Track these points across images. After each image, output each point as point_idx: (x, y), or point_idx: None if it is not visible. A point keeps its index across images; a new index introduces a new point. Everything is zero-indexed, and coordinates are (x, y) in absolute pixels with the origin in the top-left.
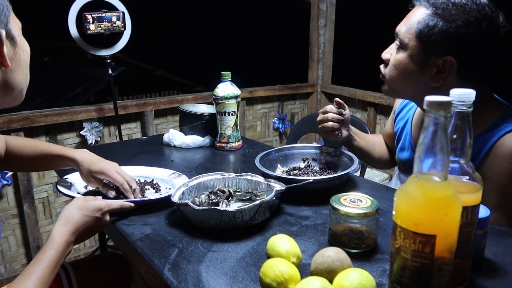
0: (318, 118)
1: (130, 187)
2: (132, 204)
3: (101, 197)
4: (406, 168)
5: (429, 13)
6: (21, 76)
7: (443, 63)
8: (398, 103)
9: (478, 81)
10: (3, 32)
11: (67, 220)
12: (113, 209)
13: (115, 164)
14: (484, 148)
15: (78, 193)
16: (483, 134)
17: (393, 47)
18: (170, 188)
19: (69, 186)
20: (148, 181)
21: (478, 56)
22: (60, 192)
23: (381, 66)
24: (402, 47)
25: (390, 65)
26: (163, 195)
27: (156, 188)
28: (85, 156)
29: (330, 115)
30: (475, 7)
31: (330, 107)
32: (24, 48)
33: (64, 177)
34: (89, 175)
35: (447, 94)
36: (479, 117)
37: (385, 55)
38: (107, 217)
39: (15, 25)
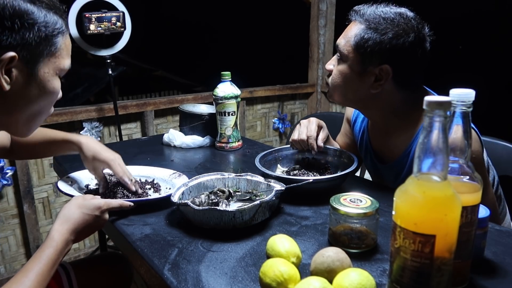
0: (295, 143)
1: (131, 180)
2: (132, 204)
3: (99, 196)
4: (374, 174)
5: (363, 28)
6: (21, 113)
7: (380, 72)
8: (351, 112)
9: (412, 86)
10: (11, 54)
11: (67, 219)
12: (112, 207)
13: (118, 156)
14: None
15: (80, 190)
16: (420, 129)
17: (335, 58)
18: (170, 188)
19: (69, 185)
20: (149, 180)
21: (409, 63)
22: (60, 190)
23: (326, 77)
24: (342, 58)
25: (333, 75)
26: (162, 195)
27: (157, 188)
28: (90, 142)
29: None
30: (402, 21)
31: (311, 142)
32: (44, 86)
33: (65, 176)
34: (92, 162)
35: (386, 101)
36: (416, 118)
37: (328, 66)
38: (106, 216)
39: (52, 64)
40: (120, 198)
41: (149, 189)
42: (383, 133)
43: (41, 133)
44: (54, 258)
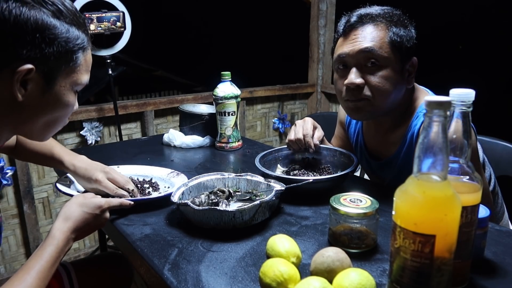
0: (292, 143)
1: (128, 189)
2: (132, 202)
3: (99, 196)
4: (371, 173)
5: (389, 26)
6: (35, 123)
7: (410, 66)
8: (344, 115)
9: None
10: (29, 67)
11: (68, 217)
12: (113, 206)
13: (107, 171)
14: (414, 134)
15: (78, 191)
16: (412, 120)
17: (355, 71)
18: (169, 187)
19: (68, 184)
20: (147, 180)
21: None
22: (59, 190)
23: (354, 92)
24: (381, 64)
25: (377, 85)
26: (162, 194)
27: (155, 187)
28: (79, 170)
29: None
30: (400, 12)
31: (308, 140)
32: (59, 100)
33: (64, 176)
34: (89, 185)
35: (403, 95)
36: (409, 112)
37: (357, 80)
38: (107, 214)
39: (69, 78)
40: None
41: (148, 188)
42: (382, 132)
43: (46, 144)
44: (55, 256)
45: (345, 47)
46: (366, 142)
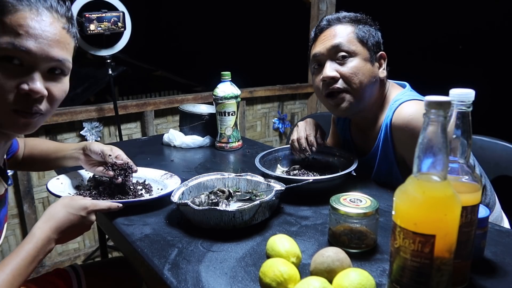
0: (294, 142)
1: (127, 164)
2: (120, 205)
3: (90, 198)
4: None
5: (355, 25)
6: None
7: (380, 58)
8: None
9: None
10: None
11: (51, 217)
12: (100, 209)
13: (113, 147)
14: (388, 125)
15: (69, 193)
16: (386, 117)
17: (330, 65)
18: (162, 189)
19: (60, 186)
20: (140, 181)
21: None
22: (49, 191)
23: (330, 84)
24: (351, 54)
25: (351, 73)
26: (154, 196)
27: (148, 188)
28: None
29: (304, 145)
30: (364, 14)
31: (311, 140)
32: None
33: (55, 177)
34: (102, 151)
35: (380, 89)
36: (387, 100)
37: (331, 72)
38: (93, 217)
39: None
40: (111, 198)
41: (141, 190)
42: (364, 128)
43: (48, 146)
44: (33, 254)
45: (317, 48)
46: (354, 139)
